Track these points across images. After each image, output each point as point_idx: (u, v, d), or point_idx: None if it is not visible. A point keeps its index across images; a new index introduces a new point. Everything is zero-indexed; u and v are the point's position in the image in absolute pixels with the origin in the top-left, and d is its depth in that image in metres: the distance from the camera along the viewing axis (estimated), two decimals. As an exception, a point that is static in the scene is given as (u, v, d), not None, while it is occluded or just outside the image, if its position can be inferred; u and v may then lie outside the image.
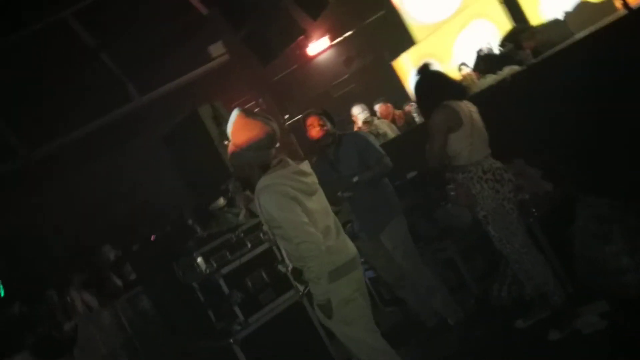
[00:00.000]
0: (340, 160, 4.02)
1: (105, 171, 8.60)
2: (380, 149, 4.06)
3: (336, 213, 4.76)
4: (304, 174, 2.84)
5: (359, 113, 6.56)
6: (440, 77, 3.46)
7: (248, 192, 2.96)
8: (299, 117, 8.64)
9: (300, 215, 2.70)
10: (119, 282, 6.04)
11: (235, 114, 2.86)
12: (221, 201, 6.09)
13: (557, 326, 3.22)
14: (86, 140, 8.71)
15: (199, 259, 4.20)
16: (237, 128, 2.83)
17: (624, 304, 3.14)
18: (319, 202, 2.86)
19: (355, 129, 6.57)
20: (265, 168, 2.81)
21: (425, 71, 3.43)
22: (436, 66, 3.61)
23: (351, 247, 2.90)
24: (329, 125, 4.01)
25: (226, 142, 2.94)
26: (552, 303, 3.26)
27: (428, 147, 3.28)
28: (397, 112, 6.89)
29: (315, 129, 4.01)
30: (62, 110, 8.27)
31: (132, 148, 8.75)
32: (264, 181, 2.76)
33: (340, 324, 2.84)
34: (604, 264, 3.25)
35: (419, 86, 3.42)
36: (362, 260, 4.77)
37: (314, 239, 2.69)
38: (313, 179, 2.89)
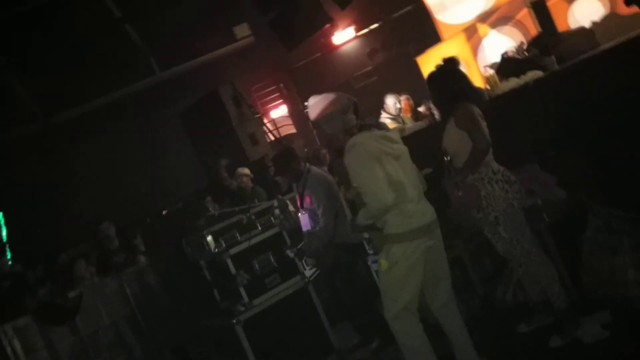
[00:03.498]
0: None
1: (121, 143, 8.68)
2: None
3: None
4: (390, 139, 3.05)
5: (392, 104, 6.60)
6: (464, 77, 3.46)
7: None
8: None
9: (379, 175, 2.90)
10: (120, 259, 6.04)
11: (311, 99, 3.18)
12: (246, 171, 6.11)
13: (559, 333, 3.24)
14: (104, 110, 8.78)
15: (209, 237, 4.24)
16: (313, 108, 3.14)
17: (627, 316, 3.14)
18: (403, 167, 3.03)
19: (384, 117, 6.59)
20: (350, 132, 3.03)
21: (452, 66, 3.40)
22: (462, 65, 3.59)
23: (429, 215, 3.04)
24: None
25: (311, 126, 3.28)
26: (555, 308, 3.26)
27: (474, 134, 3.22)
28: (421, 107, 6.88)
29: None
30: (82, 78, 8.32)
31: (149, 122, 8.82)
32: (350, 141, 2.99)
33: (387, 277, 3.00)
34: (611, 276, 3.25)
35: (443, 78, 3.39)
36: (373, 252, 4.80)
37: (382, 198, 2.87)
38: (400, 146, 3.08)
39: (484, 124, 3.30)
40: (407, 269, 2.96)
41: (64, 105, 8.63)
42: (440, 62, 3.45)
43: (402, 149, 3.08)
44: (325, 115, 3.07)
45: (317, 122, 3.17)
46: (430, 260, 3.04)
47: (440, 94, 3.45)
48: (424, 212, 3.03)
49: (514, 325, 3.60)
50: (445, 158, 3.43)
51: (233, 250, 4.23)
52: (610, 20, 4.91)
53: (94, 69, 8.27)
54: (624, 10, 4.59)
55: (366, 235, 4.62)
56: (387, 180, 2.90)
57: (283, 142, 8.03)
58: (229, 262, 4.19)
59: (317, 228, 4.27)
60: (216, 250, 4.21)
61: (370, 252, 4.91)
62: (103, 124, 8.53)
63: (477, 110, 3.30)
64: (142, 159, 8.55)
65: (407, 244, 2.94)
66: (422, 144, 4.17)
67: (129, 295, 5.33)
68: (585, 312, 3.28)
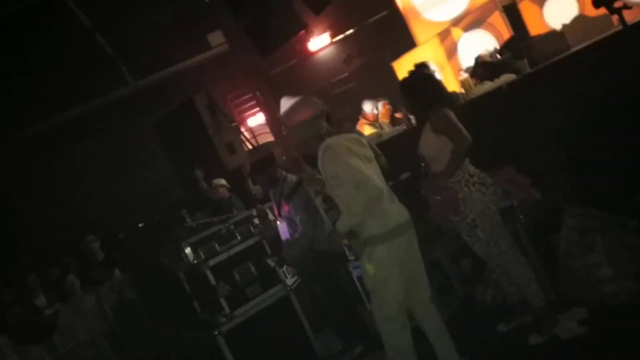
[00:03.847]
0: None
1: (94, 155, 8.54)
2: (375, 148, 4.04)
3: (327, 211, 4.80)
4: (361, 143, 3.07)
5: (370, 110, 6.65)
6: (437, 81, 3.49)
7: (319, 176, 3.17)
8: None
9: (363, 167, 2.92)
10: (99, 274, 5.97)
11: (283, 100, 3.13)
12: (222, 180, 6.07)
13: (538, 331, 3.28)
14: (76, 122, 8.62)
15: (187, 249, 4.20)
16: (288, 113, 3.10)
17: (602, 312, 3.20)
18: (374, 169, 3.05)
19: (361, 123, 6.62)
20: (321, 138, 3.01)
21: (424, 72, 3.43)
22: (435, 70, 3.62)
23: (403, 214, 3.06)
24: None
25: (282, 128, 3.18)
26: (533, 307, 3.31)
27: (453, 135, 3.23)
28: (398, 113, 6.95)
29: None
30: (53, 89, 8.16)
31: (122, 133, 8.69)
32: (326, 142, 2.97)
33: (375, 279, 3.01)
34: (586, 273, 3.31)
35: (416, 85, 3.41)
36: (354, 258, 4.80)
37: (376, 183, 2.91)
38: (370, 151, 3.09)
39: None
40: (393, 268, 2.97)
41: (35, 118, 8.45)
42: (411, 68, 3.47)
43: (371, 153, 3.10)
44: (301, 122, 3.06)
45: (291, 128, 3.14)
46: (410, 258, 3.07)
47: (414, 100, 3.47)
48: (399, 211, 3.06)
49: (493, 324, 3.64)
50: (422, 163, 3.45)
51: (212, 261, 4.20)
52: (579, 22, 5.00)
53: (64, 79, 8.12)
54: (593, 12, 4.69)
55: (346, 241, 4.62)
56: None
57: (261, 150, 8.00)
58: (209, 273, 4.15)
59: (296, 236, 4.26)
60: (195, 261, 4.17)
61: (351, 258, 4.92)
62: (75, 135, 8.38)
63: (452, 114, 3.33)
64: (116, 172, 8.42)
65: (388, 243, 2.95)
66: (400, 149, 4.20)
67: (107, 310, 5.24)
68: (562, 310, 3.33)
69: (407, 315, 3.08)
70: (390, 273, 2.97)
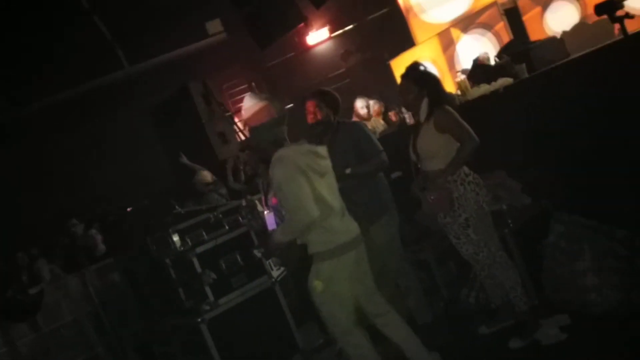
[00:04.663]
0: (334, 150, 3.80)
1: (88, 137, 8.47)
2: (378, 143, 3.95)
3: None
4: (318, 155, 3.06)
5: (361, 107, 6.64)
6: (437, 79, 3.47)
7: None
8: (290, 105, 8.63)
9: (306, 189, 2.91)
10: (86, 258, 5.96)
11: (247, 98, 3.07)
12: (208, 177, 6.06)
13: (519, 335, 3.30)
14: (71, 103, 8.54)
15: (175, 236, 4.19)
16: (250, 111, 3.07)
17: (584, 320, 3.23)
18: (327, 183, 3.05)
19: (355, 119, 6.63)
20: (279, 144, 3.05)
21: (426, 70, 3.40)
22: (433, 70, 3.60)
23: (352, 230, 3.07)
24: (324, 112, 3.86)
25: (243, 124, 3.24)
26: (516, 311, 3.33)
27: (460, 134, 3.21)
28: (391, 112, 6.96)
29: (309, 116, 3.89)
30: (48, 70, 8.09)
31: (117, 117, 8.63)
32: (278, 153, 2.99)
33: (322, 296, 3.02)
34: (571, 281, 3.33)
35: (418, 75, 3.36)
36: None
37: (309, 212, 2.89)
38: (327, 162, 3.09)
39: None
40: (341, 284, 2.99)
41: (29, 98, 8.37)
42: (411, 64, 3.43)
43: (329, 165, 3.09)
44: (259, 125, 3.10)
45: (250, 128, 3.18)
46: (359, 273, 3.07)
47: (415, 91, 3.33)
48: (348, 228, 3.05)
49: (476, 327, 3.66)
50: (416, 162, 3.43)
51: (199, 249, 4.19)
52: (580, 30, 5.01)
53: (60, 61, 8.04)
54: (594, 19, 4.69)
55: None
56: (312, 195, 2.91)
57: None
58: (195, 260, 4.14)
59: None
60: (182, 248, 4.16)
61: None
62: (70, 117, 8.29)
63: (456, 113, 3.29)
64: (108, 155, 8.36)
65: (335, 260, 2.96)
66: (391, 147, 4.18)
67: (92, 292, 5.24)
68: (545, 315, 3.35)
69: (357, 322, 3.08)
70: (340, 289, 2.99)
